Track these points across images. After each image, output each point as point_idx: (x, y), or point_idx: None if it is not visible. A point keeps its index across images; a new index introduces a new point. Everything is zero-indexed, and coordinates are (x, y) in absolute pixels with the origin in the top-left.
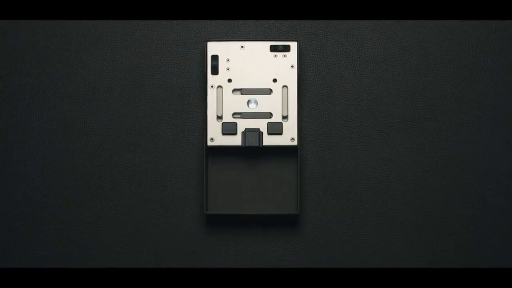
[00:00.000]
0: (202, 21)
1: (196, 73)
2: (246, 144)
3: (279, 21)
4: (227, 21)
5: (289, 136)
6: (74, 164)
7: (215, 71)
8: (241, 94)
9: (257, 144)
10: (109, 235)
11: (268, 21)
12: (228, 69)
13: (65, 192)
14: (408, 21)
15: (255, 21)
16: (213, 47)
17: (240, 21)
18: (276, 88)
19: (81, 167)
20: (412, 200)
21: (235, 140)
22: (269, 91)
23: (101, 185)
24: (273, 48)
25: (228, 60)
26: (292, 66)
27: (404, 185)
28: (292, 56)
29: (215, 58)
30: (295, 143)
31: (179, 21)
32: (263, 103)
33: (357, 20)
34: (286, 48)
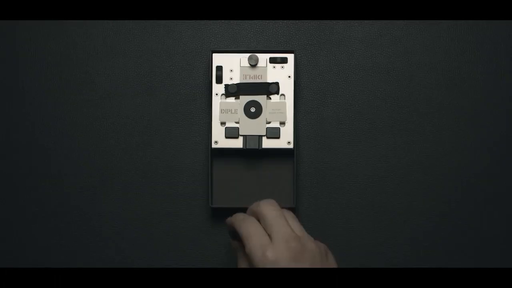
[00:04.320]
0: (207, 27)
1: (202, 80)
2: (247, 147)
3: (277, 31)
4: (230, 31)
5: (286, 139)
6: (92, 162)
7: (219, 80)
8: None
9: (257, 147)
10: (123, 228)
11: (267, 32)
12: (231, 78)
13: (84, 188)
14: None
15: (255, 32)
16: (217, 58)
17: (241, 31)
18: (275, 96)
19: (98, 166)
20: (399, 195)
21: (237, 143)
22: (268, 99)
23: (115, 182)
24: (272, 60)
25: (231, 70)
26: (289, 77)
27: (391, 181)
28: (289, 67)
29: (219, 68)
30: (291, 146)
31: (184, 22)
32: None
33: (347, 28)
34: (284, 60)
